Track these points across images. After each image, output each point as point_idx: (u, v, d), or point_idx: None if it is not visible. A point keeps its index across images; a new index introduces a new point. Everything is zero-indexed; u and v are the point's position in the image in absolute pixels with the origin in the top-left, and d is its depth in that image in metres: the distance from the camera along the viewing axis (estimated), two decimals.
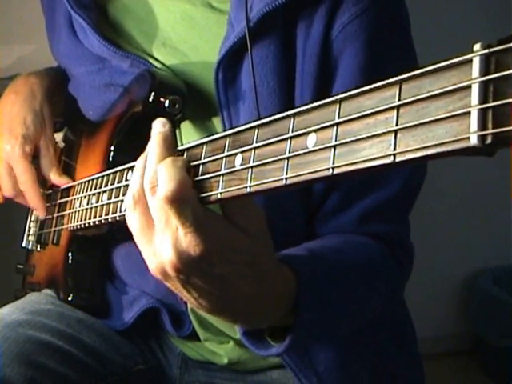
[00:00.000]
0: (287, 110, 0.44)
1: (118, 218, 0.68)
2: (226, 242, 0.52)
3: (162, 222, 0.51)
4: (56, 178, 0.94)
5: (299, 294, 0.59)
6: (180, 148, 0.56)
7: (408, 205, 0.80)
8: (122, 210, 0.65)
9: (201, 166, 0.52)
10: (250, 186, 0.46)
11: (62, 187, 0.94)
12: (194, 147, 0.54)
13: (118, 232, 0.87)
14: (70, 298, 0.88)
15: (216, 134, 0.51)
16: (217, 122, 0.77)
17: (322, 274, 0.64)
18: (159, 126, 0.55)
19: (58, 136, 1.01)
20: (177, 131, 0.78)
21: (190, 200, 0.50)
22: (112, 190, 0.70)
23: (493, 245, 2.06)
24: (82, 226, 0.81)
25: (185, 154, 0.55)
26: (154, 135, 0.55)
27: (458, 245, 2.07)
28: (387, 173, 0.74)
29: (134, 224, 0.55)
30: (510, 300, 1.88)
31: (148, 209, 0.53)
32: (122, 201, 0.66)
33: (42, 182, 0.97)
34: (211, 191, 0.51)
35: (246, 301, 0.56)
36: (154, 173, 0.52)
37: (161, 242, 0.52)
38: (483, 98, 0.30)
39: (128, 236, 0.86)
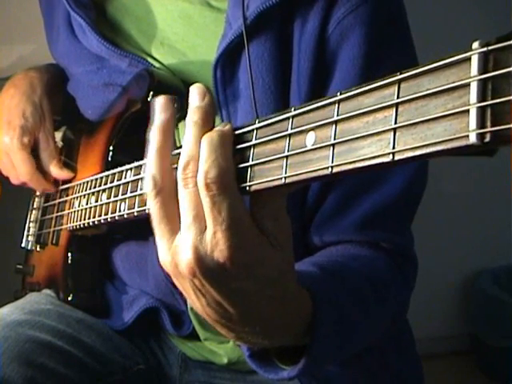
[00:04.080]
0: (283, 108, 0.44)
1: (117, 218, 0.68)
2: (255, 253, 0.46)
3: (191, 217, 0.45)
4: (57, 171, 0.94)
5: (316, 313, 0.55)
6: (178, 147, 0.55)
7: (409, 213, 0.79)
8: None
9: None
10: (248, 186, 0.46)
11: (61, 187, 0.94)
12: None
13: (118, 232, 0.88)
14: (69, 298, 0.88)
15: None
16: (216, 120, 0.77)
17: (336, 291, 0.60)
18: (197, 99, 0.47)
19: (57, 135, 1.01)
20: (175, 131, 0.78)
21: (232, 189, 0.44)
22: (111, 188, 0.70)
23: (493, 245, 2.05)
24: (82, 225, 0.81)
25: None
26: (192, 110, 0.47)
27: (458, 245, 2.07)
28: (385, 178, 0.74)
29: (153, 215, 0.48)
30: (510, 300, 1.88)
31: (172, 198, 0.47)
32: (122, 200, 0.66)
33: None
34: None
35: (257, 319, 0.51)
36: (193, 160, 0.45)
37: (183, 240, 0.46)
38: (482, 96, 0.30)
39: (127, 236, 0.88)
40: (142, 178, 0.62)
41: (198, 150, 0.45)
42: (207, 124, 0.47)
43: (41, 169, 0.94)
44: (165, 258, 0.48)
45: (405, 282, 0.77)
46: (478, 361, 2.07)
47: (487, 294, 1.96)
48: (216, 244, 0.44)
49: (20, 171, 0.92)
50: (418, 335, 0.89)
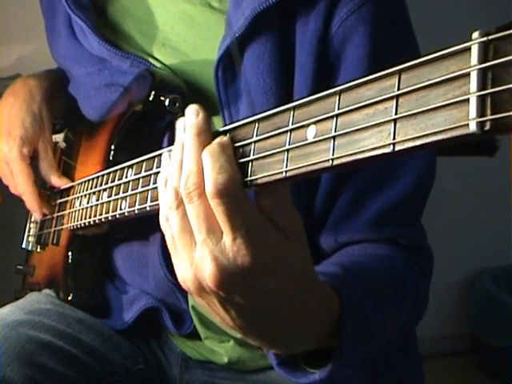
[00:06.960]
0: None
1: (118, 216, 0.68)
2: (276, 252, 0.46)
3: (204, 230, 0.45)
4: (55, 180, 0.94)
5: (343, 313, 0.55)
6: None
7: (420, 207, 0.79)
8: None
9: None
10: (249, 181, 0.46)
11: (62, 187, 0.94)
12: None
13: (119, 231, 0.88)
14: (69, 298, 0.88)
15: (216, 130, 0.51)
16: (217, 121, 0.77)
17: (361, 291, 0.60)
18: (192, 117, 0.49)
19: (59, 137, 1.01)
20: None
21: (243, 196, 0.45)
22: (112, 187, 0.70)
23: (493, 245, 2.05)
24: (83, 225, 0.81)
25: None
26: (188, 128, 0.48)
27: (458, 245, 2.06)
28: (396, 175, 0.74)
29: (174, 227, 0.48)
30: (510, 300, 1.88)
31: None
32: (123, 198, 0.67)
33: (42, 182, 0.97)
34: None
35: (288, 321, 0.50)
36: (192, 174, 0.46)
37: (201, 254, 0.45)
38: (482, 85, 0.30)
39: (128, 235, 0.88)
40: (143, 177, 0.62)
41: (196, 164, 0.46)
42: (203, 139, 0.47)
43: (40, 178, 0.95)
44: (186, 274, 0.48)
45: (422, 277, 0.77)
46: (478, 361, 2.07)
47: (487, 293, 1.96)
48: (238, 250, 0.44)
49: (17, 182, 0.93)
50: (418, 335, 0.89)
